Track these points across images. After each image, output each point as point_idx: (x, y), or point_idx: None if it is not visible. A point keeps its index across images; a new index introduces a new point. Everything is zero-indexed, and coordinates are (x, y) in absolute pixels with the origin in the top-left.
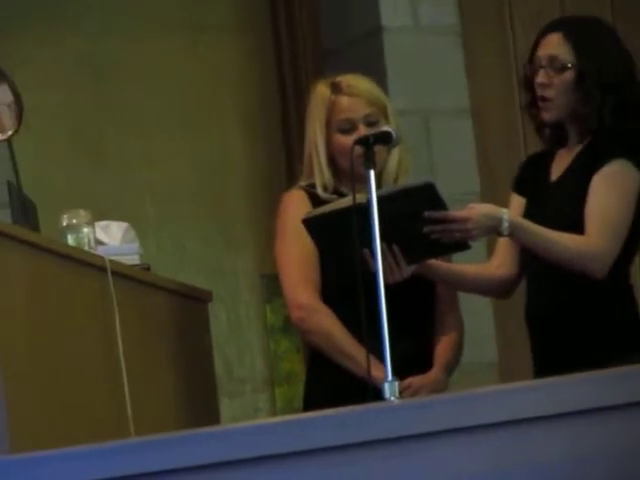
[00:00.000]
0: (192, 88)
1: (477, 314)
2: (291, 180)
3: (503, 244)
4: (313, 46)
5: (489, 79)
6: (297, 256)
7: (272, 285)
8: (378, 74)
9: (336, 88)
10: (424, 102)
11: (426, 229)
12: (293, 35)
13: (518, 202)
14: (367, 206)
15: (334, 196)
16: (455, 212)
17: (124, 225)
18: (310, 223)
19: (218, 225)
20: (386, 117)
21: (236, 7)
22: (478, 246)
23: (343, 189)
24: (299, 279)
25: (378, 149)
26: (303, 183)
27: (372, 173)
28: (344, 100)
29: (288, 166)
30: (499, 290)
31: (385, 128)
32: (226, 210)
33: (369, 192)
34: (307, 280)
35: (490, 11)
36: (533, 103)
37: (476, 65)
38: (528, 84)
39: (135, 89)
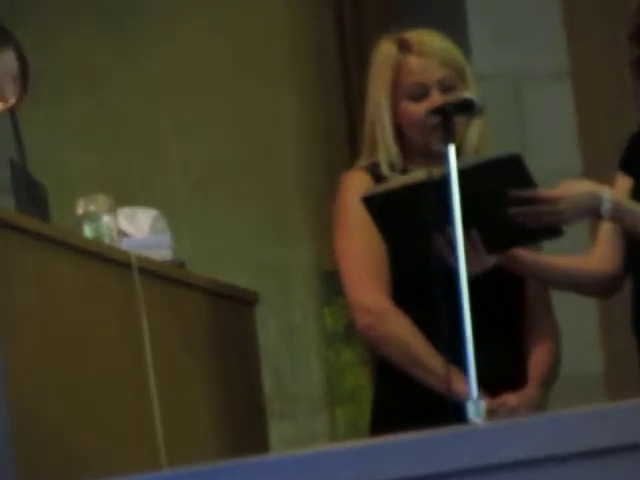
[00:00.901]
0: (234, 43)
1: (579, 316)
2: (355, 158)
3: (606, 231)
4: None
5: (593, 34)
6: (362, 250)
7: (332, 284)
8: (458, 31)
9: (404, 46)
10: (514, 64)
11: (511, 211)
12: None
13: (625, 183)
14: (441, 183)
15: (400, 175)
16: (545, 190)
17: (153, 213)
18: (371, 202)
19: (266, 212)
20: (464, 81)
21: None
22: (578, 232)
23: (413, 168)
24: (365, 278)
25: (457, 120)
26: (364, 162)
27: (452, 148)
28: (414, 60)
29: (351, 141)
30: (600, 288)
31: (466, 94)
32: (276, 194)
33: (447, 168)
34: (375, 279)
35: None
36: None
37: (576, 17)
38: (637, 37)
39: (167, 43)
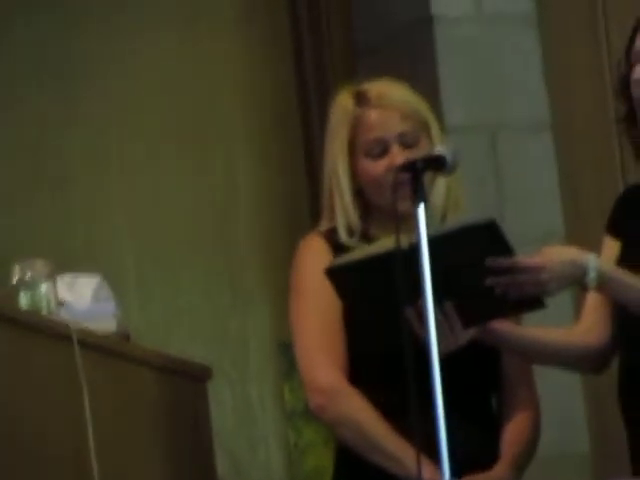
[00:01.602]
0: (186, 95)
1: (564, 392)
2: (317, 220)
3: (593, 302)
4: (343, 42)
5: (575, 83)
6: (316, 322)
7: (292, 356)
8: (427, 78)
9: (362, 99)
10: (489, 114)
11: (488, 281)
12: (317, 28)
13: (612, 247)
14: (410, 251)
15: (362, 243)
16: (525, 258)
17: (95, 279)
18: (335, 274)
19: (220, 278)
20: (429, 135)
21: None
22: (562, 302)
23: (374, 232)
24: (319, 353)
25: (427, 177)
26: (323, 227)
27: (422, 208)
28: (373, 114)
29: (312, 202)
30: (588, 363)
31: (437, 150)
32: (231, 259)
33: (417, 233)
34: (329, 354)
35: None
36: (630, 116)
37: (558, 65)
38: (624, 90)
39: (116, 94)
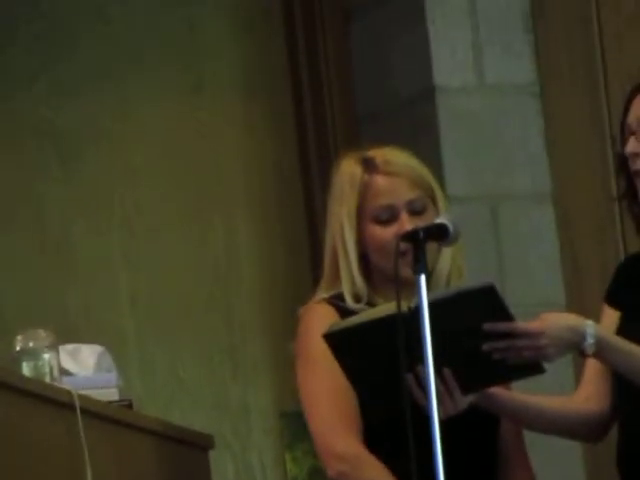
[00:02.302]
0: (187, 165)
1: (562, 460)
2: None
3: (593, 369)
4: (344, 112)
5: (577, 154)
6: (330, 390)
7: (294, 426)
8: (429, 148)
9: (370, 165)
10: (491, 185)
11: (486, 346)
12: (319, 99)
13: (611, 317)
14: (409, 316)
15: (367, 307)
16: (524, 323)
17: (98, 349)
18: (333, 339)
19: (222, 347)
20: (435, 203)
21: (245, 65)
22: (561, 368)
23: (379, 300)
24: (335, 421)
25: (428, 247)
26: (325, 294)
27: (423, 278)
28: (381, 181)
29: (314, 270)
30: (588, 431)
31: (440, 219)
32: (233, 326)
33: (419, 299)
34: (346, 422)
35: (578, 66)
36: (630, 192)
37: (560, 136)
38: (622, 166)
39: (115, 164)
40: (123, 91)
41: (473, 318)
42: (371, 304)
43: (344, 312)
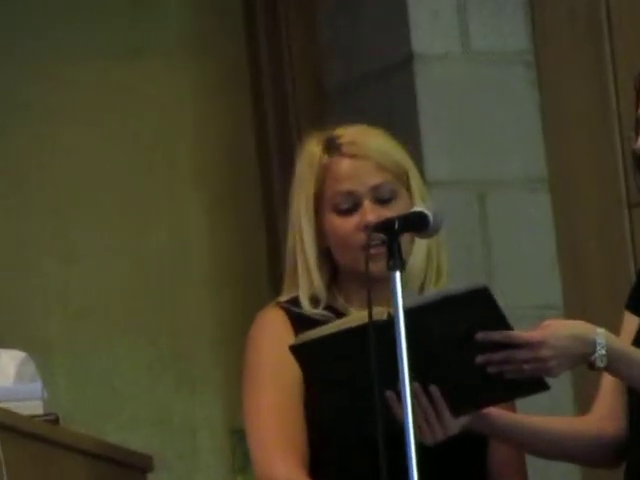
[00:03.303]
0: (129, 145)
1: None
2: (278, 288)
3: (609, 384)
4: (309, 86)
5: (578, 134)
6: (273, 408)
7: (247, 446)
8: (407, 125)
9: (331, 145)
10: (478, 169)
11: (479, 359)
12: (279, 70)
13: (632, 324)
14: (389, 325)
15: (328, 313)
16: (523, 332)
17: (20, 355)
18: (302, 351)
19: (166, 354)
20: (408, 189)
21: (194, 27)
22: (556, 384)
23: (339, 304)
24: (277, 444)
25: (404, 238)
26: (283, 298)
27: (398, 276)
28: (343, 164)
29: (272, 265)
30: (602, 456)
31: (418, 207)
32: (178, 331)
33: (394, 300)
34: (288, 443)
35: (579, 31)
36: None
37: (558, 112)
38: (638, 165)
39: (40, 141)
40: (54, 54)
41: (464, 326)
42: (332, 309)
43: (297, 318)
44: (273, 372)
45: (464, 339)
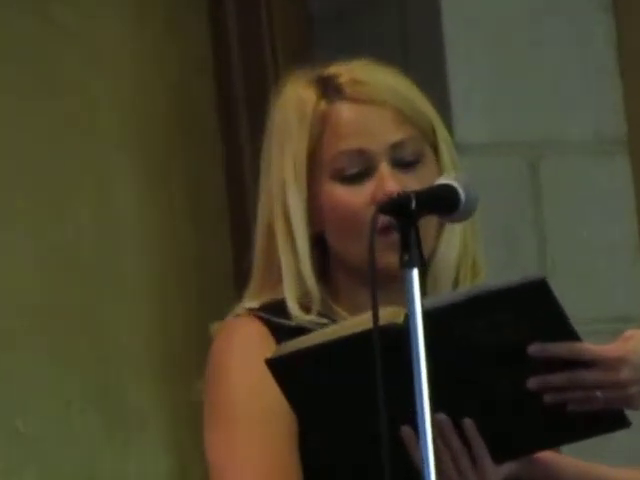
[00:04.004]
0: (42, 102)
1: None
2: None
3: None
4: (289, 13)
5: None
6: (255, 455)
7: None
8: (427, 68)
9: (329, 87)
10: (528, 127)
11: (532, 383)
12: None
13: None
14: (401, 333)
15: (322, 319)
16: (596, 346)
17: None
18: (283, 368)
19: (90, 387)
20: (436, 152)
21: None
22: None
23: (339, 306)
24: None
25: (425, 222)
26: (254, 302)
27: (415, 274)
28: (348, 112)
29: (237, 261)
30: None
31: (444, 179)
32: (106, 356)
33: (410, 304)
34: None
35: None
36: None
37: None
38: None
39: None
40: None
41: (510, 336)
42: (328, 316)
43: (282, 331)
44: (251, 402)
45: (510, 354)
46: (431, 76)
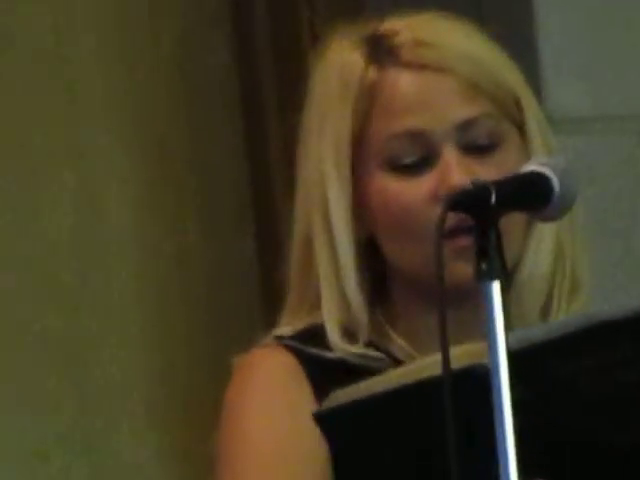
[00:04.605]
0: (11, 72)
1: None
2: (273, 314)
3: None
4: None
5: None
6: None
7: None
8: (514, 24)
9: (380, 49)
10: (635, 101)
11: None
12: None
13: None
14: (478, 377)
15: (377, 354)
16: None
17: None
18: (335, 423)
19: (72, 437)
20: (521, 129)
21: None
22: None
23: (391, 341)
24: None
25: (508, 221)
26: (288, 328)
27: (497, 288)
28: (406, 82)
29: (265, 291)
30: None
31: (533, 165)
32: (90, 398)
33: (490, 335)
34: None
35: None
36: None
37: None
38: None
39: None
40: None
41: (628, 380)
42: (379, 347)
43: (318, 365)
44: (276, 456)
45: (629, 403)
46: (514, 32)
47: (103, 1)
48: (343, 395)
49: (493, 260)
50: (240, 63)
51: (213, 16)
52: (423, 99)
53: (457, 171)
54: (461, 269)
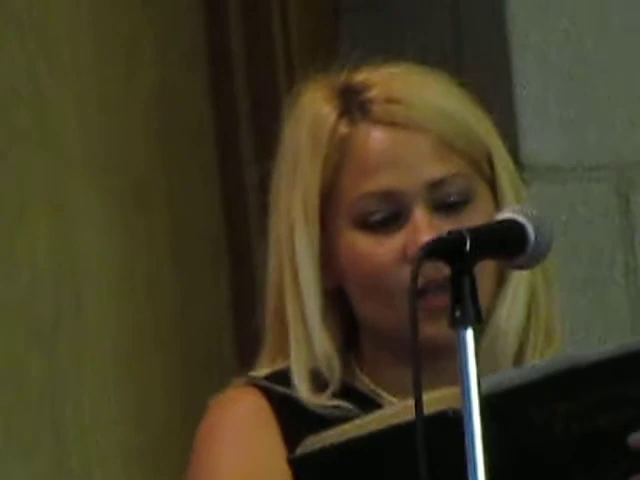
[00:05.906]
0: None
1: None
2: (248, 356)
3: None
4: (307, 3)
5: None
6: None
7: None
8: (487, 69)
9: (353, 103)
10: (618, 146)
11: None
12: None
13: None
14: (455, 424)
15: (345, 404)
16: None
17: None
18: (310, 468)
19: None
20: (492, 184)
21: None
22: None
23: (363, 386)
24: None
25: (480, 270)
26: (263, 371)
27: (470, 335)
28: (378, 139)
29: (238, 337)
30: None
31: (507, 213)
32: (64, 440)
33: (463, 378)
34: None
35: None
36: None
37: None
38: None
39: None
40: None
41: (608, 423)
42: (350, 395)
43: (287, 404)
44: None
45: (607, 447)
46: (491, 76)
47: (83, 49)
48: (318, 440)
49: (467, 307)
50: (216, 109)
51: (190, 62)
52: (393, 158)
53: (427, 232)
54: (434, 329)
